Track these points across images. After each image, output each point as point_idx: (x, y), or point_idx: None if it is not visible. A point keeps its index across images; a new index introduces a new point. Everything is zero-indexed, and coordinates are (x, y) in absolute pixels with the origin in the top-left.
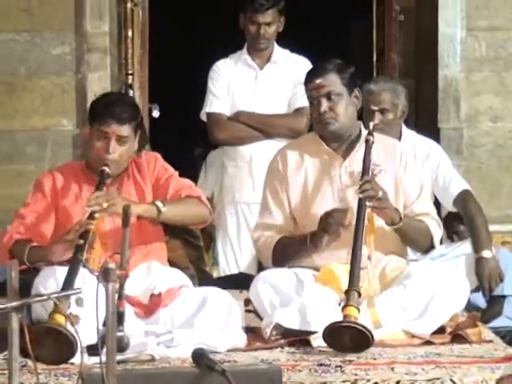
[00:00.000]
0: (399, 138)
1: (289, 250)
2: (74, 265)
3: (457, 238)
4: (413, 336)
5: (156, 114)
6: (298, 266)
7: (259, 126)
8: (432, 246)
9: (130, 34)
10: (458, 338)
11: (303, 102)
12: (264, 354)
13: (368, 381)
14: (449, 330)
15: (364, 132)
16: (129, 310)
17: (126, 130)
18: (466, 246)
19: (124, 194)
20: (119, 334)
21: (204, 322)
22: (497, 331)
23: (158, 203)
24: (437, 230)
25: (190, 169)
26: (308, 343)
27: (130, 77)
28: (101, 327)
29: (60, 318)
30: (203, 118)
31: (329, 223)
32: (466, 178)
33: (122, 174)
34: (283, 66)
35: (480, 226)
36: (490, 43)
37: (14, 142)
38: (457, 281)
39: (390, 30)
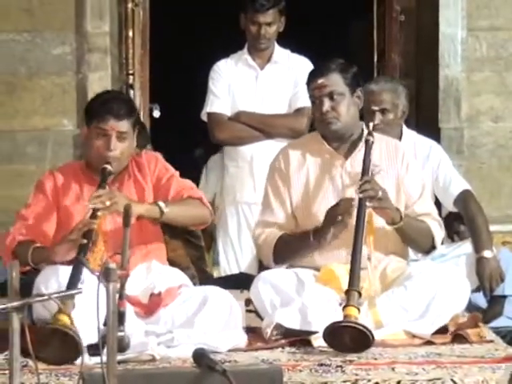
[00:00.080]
0: (400, 138)
1: (290, 246)
2: (77, 265)
3: (457, 238)
4: (414, 336)
5: (157, 114)
6: (298, 266)
7: (260, 126)
8: (433, 247)
9: (130, 34)
10: (458, 338)
11: (304, 102)
12: (265, 354)
13: (369, 381)
14: (451, 329)
15: (366, 132)
16: (129, 310)
17: (124, 125)
18: (466, 246)
19: (124, 194)
20: (120, 333)
21: (204, 321)
22: (497, 331)
23: (161, 203)
24: (438, 231)
25: (190, 169)
26: (309, 343)
27: (131, 77)
28: (101, 327)
29: (65, 319)
30: (204, 118)
31: (335, 215)
32: (466, 178)
33: (123, 172)
34: (284, 66)
35: (481, 226)
36: (490, 43)
37: (14, 142)
38: (458, 282)
39: (390, 30)
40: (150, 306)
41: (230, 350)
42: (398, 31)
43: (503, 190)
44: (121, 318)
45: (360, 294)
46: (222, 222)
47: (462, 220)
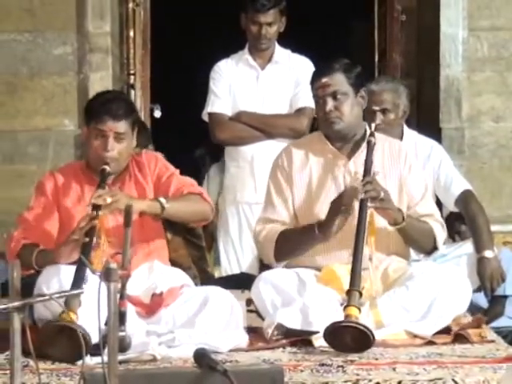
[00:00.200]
0: (401, 138)
1: (293, 240)
2: (81, 264)
3: (458, 238)
4: (415, 336)
5: (158, 114)
6: (299, 266)
7: (261, 126)
8: (435, 248)
9: (131, 34)
10: (459, 338)
11: (305, 102)
12: (266, 354)
13: (370, 381)
14: (454, 329)
15: (369, 133)
16: (130, 310)
17: (122, 126)
18: (467, 246)
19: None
20: (121, 333)
21: (206, 321)
22: (498, 331)
23: (162, 199)
24: (440, 232)
25: (190, 169)
26: (310, 343)
27: (132, 77)
28: (103, 327)
29: (72, 317)
30: (205, 118)
31: (340, 205)
32: (467, 178)
33: (124, 173)
34: (285, 66)
35: (482, 226)
36: (491, 43)
37: (15, 142)
38: (459, 283)
39: (391, 30)
40: (152, 306)
41: (231, 350)
42: (399, 31)
43: (504, 190)
44: (122, 317)
45: (361, 294)
46: (223, 221)
47: (463, 220)
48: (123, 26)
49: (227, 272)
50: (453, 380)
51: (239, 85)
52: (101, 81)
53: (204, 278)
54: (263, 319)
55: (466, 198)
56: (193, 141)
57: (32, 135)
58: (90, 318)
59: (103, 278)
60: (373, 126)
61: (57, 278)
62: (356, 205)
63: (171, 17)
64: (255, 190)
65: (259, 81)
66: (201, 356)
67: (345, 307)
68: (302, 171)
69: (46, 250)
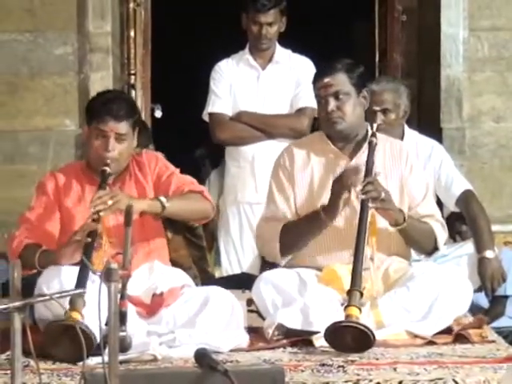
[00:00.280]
0: (401, 138)
1: (298, 229)
2: (83, 265)
3: (459, 238)
4: (415, 336)
5: (158, 114)
6: (300, 266)
7: (261, 126)
8: (436, 248)
9: (132, 34)
10: (460, 338)
11: (305, 102)
12: (266, 354)
13: (370, 381)
14: (455, 329)
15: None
16: (131, 310)
17: (123, 127)
18: (468, 246)
19: (126, 193)
20: (121, 333)
21: (206, 321)
22: (499, 331)
23: (162, 198)
24: (441, 232)
25: (191, 169)
26: (310, 343)
27: (133, 77)
28: (103, 327)
29: (77, 316)
30: (205, 118)
31: (342, 185)
32: (468, 178)
33: (124, 172)
34: (285, 66)
35: (482, 226)
36: (492, 43)
37: (16, 142)
38: (460, 284)
39: (392, 30)
40: (152, 306)
41: (231, 350)
42: (400, 31)
43: (505, 190)
44: (123, 318)
45: (362, 294)
46: (224, 222)
47: (463, 220)
48: (124, 25)
49: (228, 272)
50: (453, 380)
51: (240, 85)
52: (101, 81)
53: (204, 278)
54: (264, 319)
55: (466, 198)
56: (193, 141)
57: (32, 135)
58: (91, 319)
59: (104, 279)
60: (374, 126)
61: (58, 279)
62: (355, 202)
63: (171, 17)
64: (256, 189)
65: (260, 81)
66: (201, 356)
67: (345, 307)
68: (303, 171)
69: (48, 251)
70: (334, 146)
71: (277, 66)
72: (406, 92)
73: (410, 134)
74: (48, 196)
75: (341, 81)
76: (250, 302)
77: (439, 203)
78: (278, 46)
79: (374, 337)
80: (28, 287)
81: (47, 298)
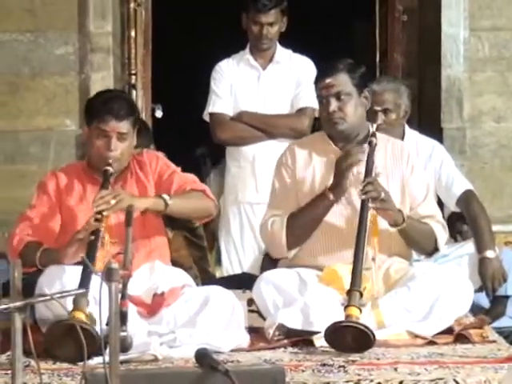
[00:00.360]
0: (402, 138)
1: (303, 216)
2: (86, 265)
3: (460, 238)
4: (416, 336)
5: (159, 114)
6: (301, 266)
7: (262, 126)
8: (436, 249)
9: (133, 34)
10: (461, 338)
11: (306, 102)
12: (267, 354)
13: (371, 381)
14: (456, 329)
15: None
16: (132, 310)
17: (125, 126)
18: (469, 246)
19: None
20: (122, 333)
21: (207, 321)
22: (500, 331)
23: (165, 196)
24: (441, 233)
25: (191, 169)
26: (311, 343)
27: (133, 77)
28: (104, 327)
29: (81, 316)
30: (206, 118)
31: (348, 164)
32: (468, 178)
33: (125, 171)
34: (286, 66)
35: (483, 226)
36: (493, 43)
37: (17, 142)
38: (461, 284)
39: (393, 30)
40: (153, 306)
41: (232, 350)
42: (401, 31)
43: (505, 190)
44: (123, 318)
45: (361, 295)
46: (225, 221)
47: (464, 220)
48: (125, 25)
49: (228, 272)
50: (454, 380)
51: (240, 85)
52: (102, 81)
53: (205, 278)
54: (264, 319)
55: (467, 198)
56: (194, 141)
57: (33, 135)
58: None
59: (105, 278)
60: (374, 126)
61: (59, 278)
62: (356, 202)
63: (172, 17)
64: (256, 189)
65: (260, 81)
66: (202, 356)
67: (345, 307)
68: (305, 170)
69: (50, 249)
70: (336, 146)
71: (277, 66)
72: (406, 92)
73: (411, 134)
74: (49, 195)
75: (342, 81)
76: (250, 301)
77: (440, 203)
78: (278, 46)
79: (374, 337)
80: (29, 287)
81: (48, 297)
